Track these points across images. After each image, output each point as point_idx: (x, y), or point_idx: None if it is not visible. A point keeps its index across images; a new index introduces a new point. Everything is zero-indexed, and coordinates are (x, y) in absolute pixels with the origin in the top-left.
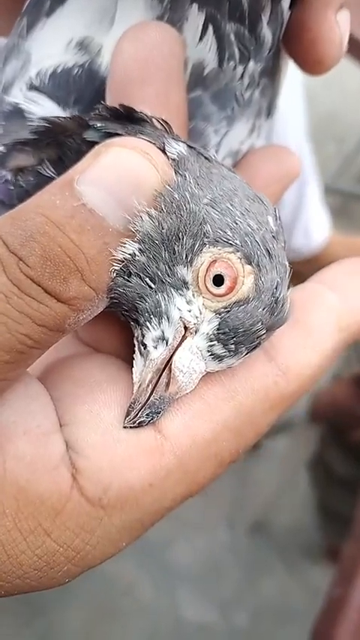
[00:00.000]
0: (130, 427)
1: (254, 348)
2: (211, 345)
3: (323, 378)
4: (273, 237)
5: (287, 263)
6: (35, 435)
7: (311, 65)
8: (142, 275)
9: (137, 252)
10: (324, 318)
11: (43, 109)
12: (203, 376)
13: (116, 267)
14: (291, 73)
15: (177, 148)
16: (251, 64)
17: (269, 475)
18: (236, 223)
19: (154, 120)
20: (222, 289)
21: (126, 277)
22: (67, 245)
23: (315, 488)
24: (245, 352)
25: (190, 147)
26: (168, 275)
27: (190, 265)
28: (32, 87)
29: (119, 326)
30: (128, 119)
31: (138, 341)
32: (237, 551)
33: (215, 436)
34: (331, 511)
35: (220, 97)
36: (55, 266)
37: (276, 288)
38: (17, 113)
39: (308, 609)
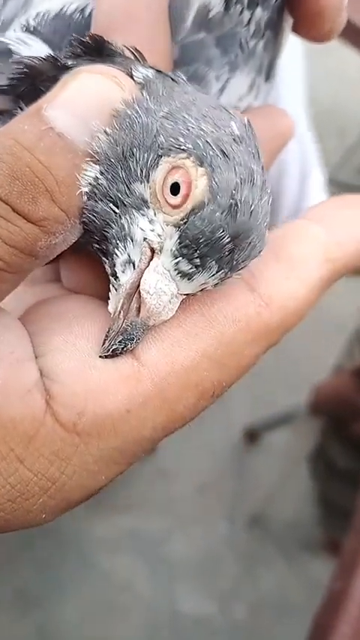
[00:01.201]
0: (105, 356)
1: (226, 263)
2: (176, 263)
3: (325, 370)
4: (233, 139)
5: (256, 168)
6: (8, 361)
7: (311, 21)
8: (105, 199)
9: (99, 175)
10: (309, 249)
11: (31, 50)
12: (183, 305)
13: (85, 190)
14: (293, 68)
15: (144, 73)
16: (258, 10)
17: (269, 468)
18: (189, 129)
19: (125, 50)
20: (178, 198)
21: (95, 202)
22: (36, 166)
23: (315, 481)
24: (216, 267)
25: (158, 72)
26: (127, 195)
27: (147, 181)
28: (28, 29)
29: (102, 271)
30: (100, 53)
31: (111, 274)
32: (236, 544)
33: (195, 365)
34: (331, 504)
35: (224, 41)
36: (24, 186)
37: (235, 189)
38: (5, 54)
39: (308, 603)
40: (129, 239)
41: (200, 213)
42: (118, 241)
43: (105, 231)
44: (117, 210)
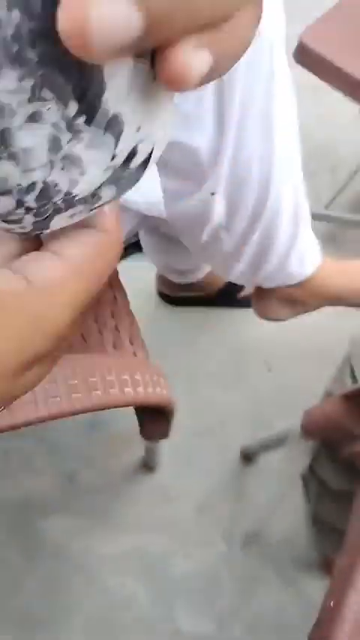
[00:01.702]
0: None
1: None
2: None
3: (317, 396)
4: None
5: None
6: None
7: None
8: None
9: None
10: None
11: None
12: None
13: None
14: (286, 113)
15: None
16: None
17: (265, 489)
18: None
19: None
20: None
21: None
22: None
23: (309, 502)
24: None
25: None
26: None
27: None
28: None
29: None
30: None
31: None
32: (233, 564)
33: None
34: (325, 525)
35: None
36: None
37: None
38: None
39: (304, 622)
40: None
41: None
42: None
43: None
44: None
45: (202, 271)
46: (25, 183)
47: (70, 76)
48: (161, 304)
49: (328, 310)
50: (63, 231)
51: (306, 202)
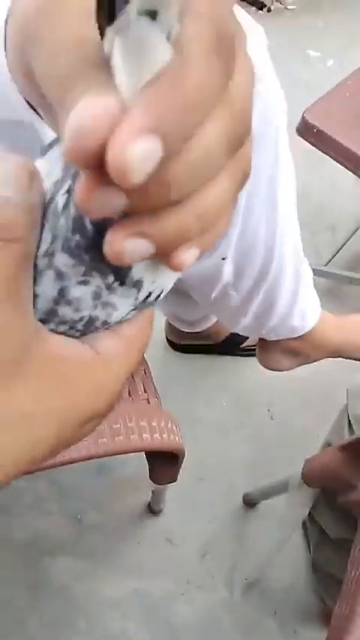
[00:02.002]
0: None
1: None
2: None
3: (318, 443)
4: None
5: None
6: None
7: None
8: None
9: None
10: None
11: None
12: None
13: None
14: (286, 184)
15: None
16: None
17: (266, 535)
18: None
19: None
20: None
21: None
22: None
23: (309, 549)
24: None
25: None
26: None
27: None
28: None
29: None
30: None
31: None
32: (234, 610)
33: None
34: (324, 573)
35: None
36: None
37: None
38: None
39: None
40: None
41: None
42: None
43: None
44: None
45: (209, 322)
46: (76, 318)
47: (109, 265)
48: (169, 351)
49: (329, 361)
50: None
51: (306, 262)
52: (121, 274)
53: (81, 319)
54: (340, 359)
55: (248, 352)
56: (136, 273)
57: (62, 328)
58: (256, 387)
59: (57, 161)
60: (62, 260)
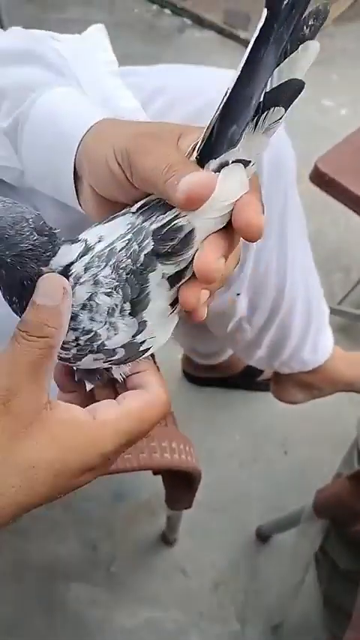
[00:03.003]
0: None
1: None
2: None
3: (331, 478)
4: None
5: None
6: None
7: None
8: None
9: None
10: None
11: None
12: None
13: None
14: (296, 227)
15: None
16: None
17: (279, 568)
18: None
19: None
20: None
21: None
22: None
23: (321, 582)
24: None
25: None
26: None
27: None
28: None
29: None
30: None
31: None
32: None
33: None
34: (336, 605)
35: None
36: None
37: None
38: None
39: None
40: None
41: None
42: None
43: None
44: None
45: (225, 354)
46: (87, 328)
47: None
48: (185, 383)
49: (342, 396)
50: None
51: (322, 299)
52: (135, 309)
53: (89, 332)
54: (354, 394)
55: (263, 386)
56: (146, 315)
57: (70, 335)
58: (270, 420)
59: (122, 223)
60: (104, 272)
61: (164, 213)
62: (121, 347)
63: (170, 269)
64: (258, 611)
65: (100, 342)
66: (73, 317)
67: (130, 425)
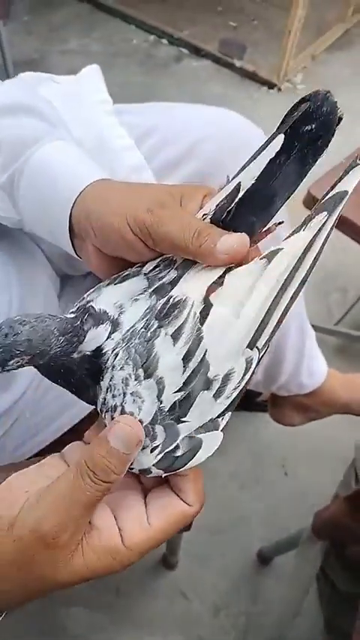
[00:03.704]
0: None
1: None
2: None
3: (328, 497)
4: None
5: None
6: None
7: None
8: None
9: None
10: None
11: None
12: None
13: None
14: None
15: None
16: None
17: (280, 591)
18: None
19: None
20: None
21: None
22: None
23: (322, 606)
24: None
25: None
26: None
27: None
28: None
29: None
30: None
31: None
32: None
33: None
34: (337, 631)
35: None
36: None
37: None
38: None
39: None
40: None
41: None
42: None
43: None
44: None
45: None
46: (112, 404)
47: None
48: None
49: (341, 417)
50: (159, 495)
51: (307, 322)
52: (148, 372)
53: (114, 409)
54: (352, 416)
55: (262, 406)
56: (160, 369)
57: (107, 418)
58: (270, 442)
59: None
60: (119, 356)
61: (172, 285)
62: (154, 421)
63: (171, 329)
64: (259, 634)
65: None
66: (104, 402)
67: (154, 542)
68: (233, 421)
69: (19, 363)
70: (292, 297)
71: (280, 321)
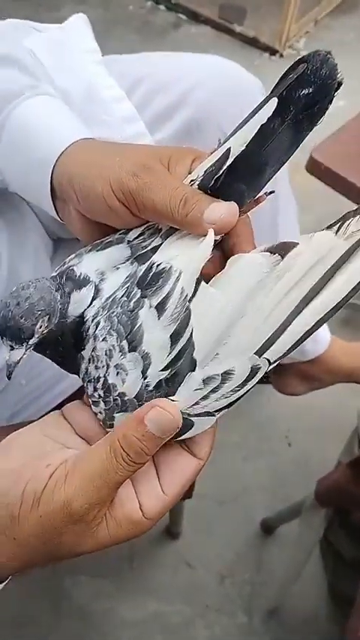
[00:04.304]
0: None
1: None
2: None
3: (331, 466)
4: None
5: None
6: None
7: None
8: None
9: None
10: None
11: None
12: None
13: None
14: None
15: None
16: None
17: (285, 561)
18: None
19: None
20: None
21: None
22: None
23: (326, 571)
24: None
25: None
26: None
27: None
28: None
29: None
30: None
31: None
32: (253, 636)
33: None
34: (342, 598)
35: None
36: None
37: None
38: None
39: None
40: None
41: None
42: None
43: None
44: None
45: None
46: (95, 376)
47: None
48: None
49: (344, 386)
50: (168, 456)
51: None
52: (133, 344)
53: (98, 379)
54: (355, 385)
55: (265, 378)
56: (146, 344)
57: (90, 389)
58: (273, 412)
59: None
60: (100, 325)
61: (154, 252)
62: (141, 391)
63: (155, 300)
64: (264, 602)
65: (117, 392)
66: (86, 372)
67: (169, 507)
68: None
69: (41, 328)
70: (325, 314)
71: (302, 339)
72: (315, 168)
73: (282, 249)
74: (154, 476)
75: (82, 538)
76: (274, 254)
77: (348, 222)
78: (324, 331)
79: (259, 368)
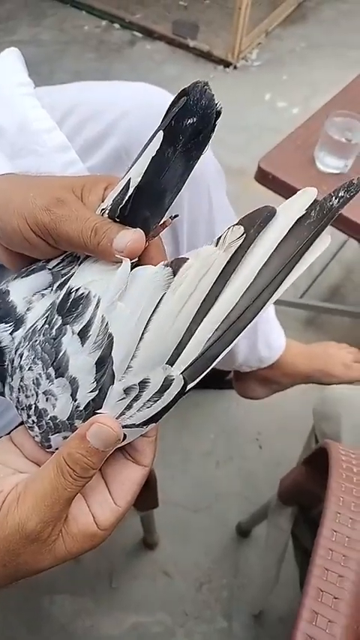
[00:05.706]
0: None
1: None
2: None
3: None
4: None
5: None
6: None
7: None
8: None
9: None
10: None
11: None
12: None
13: None
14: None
15: None
16: None
17: (261, 561)
18: None
19: None
20: None
21: None
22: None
23: (299, 570)
24: None
25: None
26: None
27: None
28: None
29: None
30: None
31: None
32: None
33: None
34: None
35: None
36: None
37: None
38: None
39: None
40: None
41: None
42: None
43: None
44: None
45: None
46: (26, 404)
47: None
48: None
49: (312, 387)
50: (114, 468)
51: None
52: (59, 371)
53: (30, 407)
54: (323, 385)
55: (231, 385)
56: (72, 370)
57: (24, 416)
58: (242, 418)
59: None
60: (25, 355)
61: (70, 277)
62: (72, 416)
63: (77, 327)
64: (243, 605)
65: (49, 416)
66: (18, 401)
67: (123, 515)
68: (204, 400)
69: None
70: (232, 324)
71: (215, 349)
72: (263, 177)
73: (176, 265)
74: (104, 489)
75: (40, 556)
76: (168, 267)
77: (224, 234)
78: (278, 338)
79: (173, 380)
